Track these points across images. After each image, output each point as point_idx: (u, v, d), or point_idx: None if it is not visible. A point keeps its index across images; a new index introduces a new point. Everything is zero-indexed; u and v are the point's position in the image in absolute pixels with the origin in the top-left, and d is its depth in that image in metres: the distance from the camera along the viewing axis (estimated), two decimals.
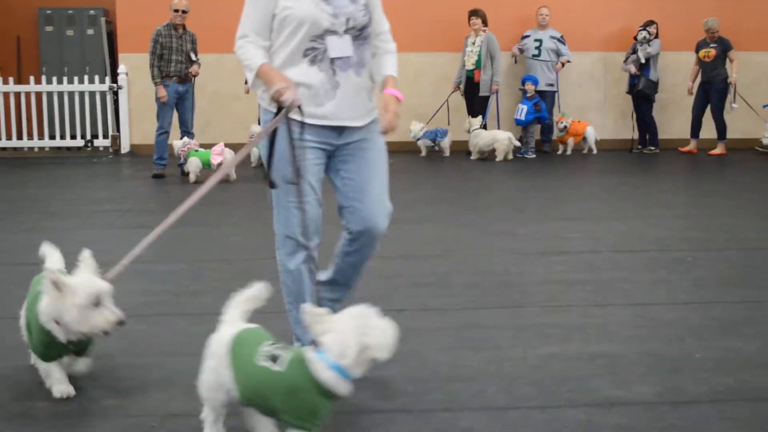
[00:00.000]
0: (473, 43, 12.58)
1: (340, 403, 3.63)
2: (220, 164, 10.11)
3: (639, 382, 3.87)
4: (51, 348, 3.59)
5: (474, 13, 12.58)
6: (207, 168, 10.25)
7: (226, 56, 12.31)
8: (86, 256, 3.65)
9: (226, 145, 10.54)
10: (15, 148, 13.39)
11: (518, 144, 12.39)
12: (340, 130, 3.86)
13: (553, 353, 4.26)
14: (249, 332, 3.15)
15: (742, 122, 13.35)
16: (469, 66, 12.64)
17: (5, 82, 13.28)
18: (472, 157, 12.27)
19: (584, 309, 5.00)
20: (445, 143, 12.75)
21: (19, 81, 13.66)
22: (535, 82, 12.67)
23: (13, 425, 3.48)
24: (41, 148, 13.48)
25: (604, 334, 4.57)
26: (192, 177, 10.28)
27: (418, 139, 12.75)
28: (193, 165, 10.27)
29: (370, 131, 3.95)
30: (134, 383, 3.91)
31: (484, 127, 12.46)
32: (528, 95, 12.60)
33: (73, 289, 3.42)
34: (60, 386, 3.68)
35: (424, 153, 12.81)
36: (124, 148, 13.32)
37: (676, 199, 9.11)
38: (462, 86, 12.80)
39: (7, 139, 13.37)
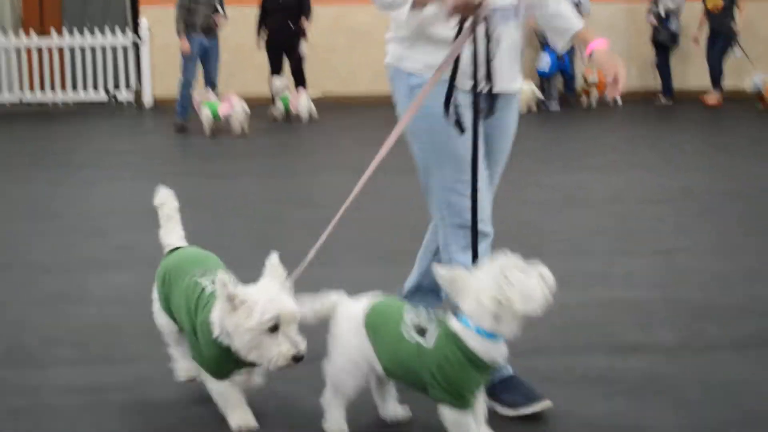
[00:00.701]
0: None
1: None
2: (228, 116, 10.09)
3: (661, 328, 3.86)
4: (226, 364, 2.89)
5: None
6: (217, 120, 10.18)
7: (247, 9, 12.25)
8: (274, 261, 3.00)
9: (249, 98, 10.52)
10: (39, 103, 13.44)
11: (541, 96, 12.27)
12: (494, 98, 3.03)
13: (575, 299, 4.24)
14: (384, 303, 2.83)
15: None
16: None
17: (27, 36, 13.29)
18: None
19: (607, 256, 4.98)
20: None
21: (41, 35, 13.67)
22: None
23: (39, 371, 3.52)
24: (65, 103, 13.52)
25: (627, 281, 4.55)
26: (207, 129, 10.18)
27: None
28: (205, 116, 10.22)
29: (512, 102, 3.23)
30: (157, 330, 3.93)
31: None
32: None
33: (249, 307, 2.74)
34: (239, 415, 2.95)
35: None
36: (147, 101, 13.33)
37: (701, 150, 9.02)
38: None
39: (30, 93, 13.41)
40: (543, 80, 12.52)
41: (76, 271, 4.86)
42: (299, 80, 11.86)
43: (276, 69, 11.77)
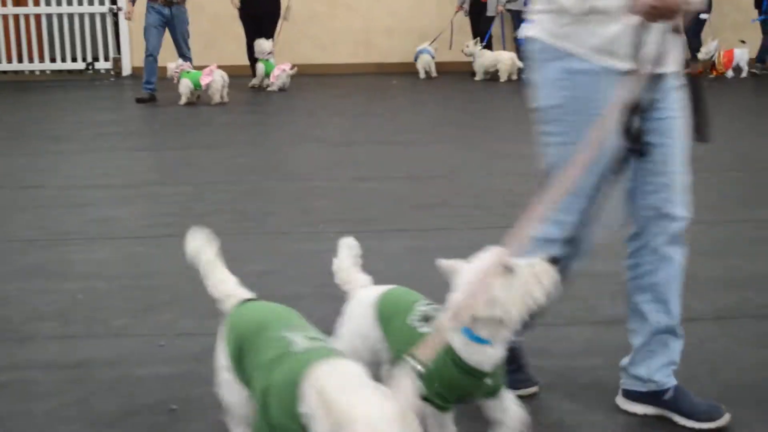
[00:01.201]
0: None
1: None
2: (208, 85, 10.04)
3: None
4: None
5: None
6: (198, 89, 10.13)
7: None
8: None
9: (227, 68, 10.44)
10: (15, 72, 13.29)
11: (521, 65, 12.24)
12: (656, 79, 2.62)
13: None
14: (397, 292, 2.70)
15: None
16: None
17: (3, 5, 13.11)
18: (476, 78, 12.16)
19: None
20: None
21: (17, 3, 13.48)
22: None
23: (21, 346, 3.51)
24: (42, 71, 13.37)
25: (609, 254, 4.54)
26: (183, 99, 10.16)
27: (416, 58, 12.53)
28: (184, 86, 10.15)
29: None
30: (141, 304, 3.93)
31: (489, 47, 12.32)
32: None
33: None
34: None
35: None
36: (126, 70, 13.21)
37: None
38: (467, 6, 12.61)
39: (7, 62, 13.25)
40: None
41: (57, 245, 4.83)
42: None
43: (252, 39, 11.60)
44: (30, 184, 6.37)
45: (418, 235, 4.93)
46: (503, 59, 11.99)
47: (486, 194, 5.84)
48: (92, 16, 13.13)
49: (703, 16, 12.53)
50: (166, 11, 10.45)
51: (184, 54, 10.70)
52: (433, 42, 12.61)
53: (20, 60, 13.29)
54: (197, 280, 4.16)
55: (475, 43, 12.08)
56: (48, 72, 13.34)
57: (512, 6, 12.78)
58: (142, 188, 6.23)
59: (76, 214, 5.50)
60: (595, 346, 3.44)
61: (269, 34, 11.60)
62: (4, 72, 13.21)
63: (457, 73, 12.76)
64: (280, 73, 11.29)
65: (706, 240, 4.79)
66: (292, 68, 11.39)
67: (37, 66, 13.30)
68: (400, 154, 7.18)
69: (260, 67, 11.46)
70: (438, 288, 4.01)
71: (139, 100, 10.46)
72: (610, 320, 3.68)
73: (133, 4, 10.56)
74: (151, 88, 10.58)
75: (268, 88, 11.24)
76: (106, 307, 3.90)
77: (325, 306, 3.86)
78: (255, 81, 11.50)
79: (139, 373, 3.24)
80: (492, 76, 12.15)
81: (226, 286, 2.68)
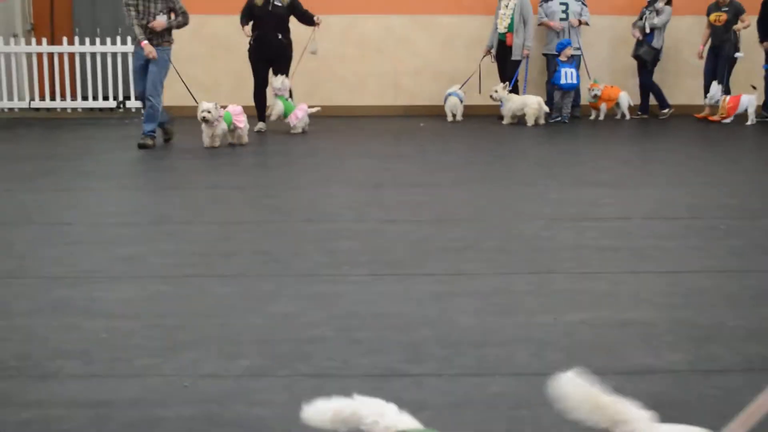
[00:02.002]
0: (506, 6, 12.41)
1: (370, 366, 3.65)
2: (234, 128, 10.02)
3: (671, 350, 3.83)
4: None
5: None
6: (229, 129, 10.02)
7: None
8: None
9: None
10: (48, 109, 13.45)
11: (547, 109, 12.22)
12: None
13: (583, 320, 4.23)
14: None
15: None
16: (502, 29, 12.47)
17: (39, 43, 13.32)
18: (504, 122, 12.16)
19: (616, 276, 4.96)
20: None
21: (52, 42, 13.68)
22: (571, 46, 12.47)
23: (44, 383, 3.51)
24: (74, 109, 13.54)
25: (636, 302, 4.53)
26: (217, 141, 9.91)
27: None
28: (221, 129, 9.94)
29: None
30: (165, 343, 3.93)
31: (516, 91, 12.33)
32: (565, 59, 12.40)
33: None
34: None
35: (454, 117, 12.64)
36: None
37: (707, 166, 8.96)
38: (494, 50, 12.65)
39: (40, 100, 13.43)
40: (562, 93, 12.44)
41: (82, 282, 4.85)
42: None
43: (261, 82, 11.29)
44: (59, 220, 6.42)
45: (444, 279, 4.90)
46: (530, 103, 12.00)
47: (512, 239, 5.81)
48: (124, 55, 13.30)
49: (738, 55, 12.49)
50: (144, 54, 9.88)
51: (145, 95, 10.01)
52: (462, 86, 12.64)
53: (53, 98, 13.46)
54: (222, 321, 4.19)
55: (504, 88, 12.10)
56: (79, 110, 13.50)
57: (547, 50, 12.82)
58: (169, 227, 6.26)
59: (102, 251, 5.52)
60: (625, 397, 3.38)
61: (284, 73, 11.15)
62: (37, 109, 13.38)
63: (484, 116, 12.78)
64: (303, 115, 11.15)
65: (735, 288, 4.74)
66: (312, 107, 11.30)
67: (69, 104, 13.46)
68: (426, 197, 7.18)
69: (279, 104, 11.15)
70: (462, 333, 4.00)
71: (141, 146, 9.85)
72: (639, 370, 3.64)
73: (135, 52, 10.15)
74: (151, 131, 10.02)
75: (291, 131, 11.16)
76: (130, 346, 3.90)
77: (347, 350, 3.86)
78: (272, 117, 11.25)
79: (162, 413, 3.23)
80: (519, 120, 12.16)
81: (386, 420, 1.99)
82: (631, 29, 12.76)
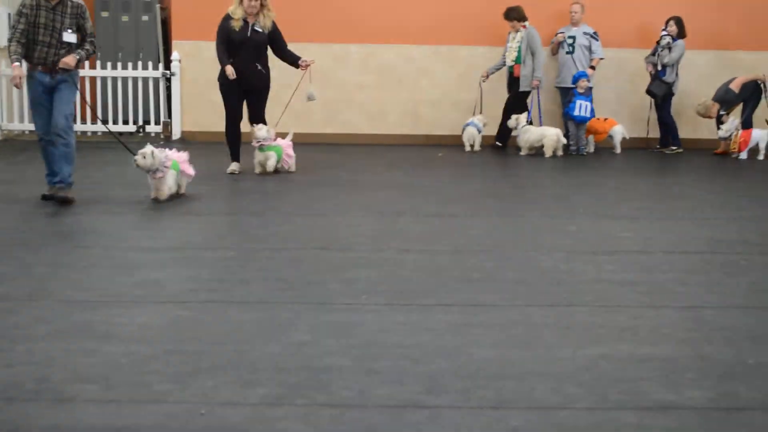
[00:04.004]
0: (513, 38, 12.49)
1: (387, 397, 3.63)
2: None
3: (691, 387, 3.81)
4: None
5: (506, 16, 12.49)
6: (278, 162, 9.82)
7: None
8: None
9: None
10: None
11: (565, 141, 12.19)
12: None
13: (603, 354, 4.20)
14: None
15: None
16: (509, 62, 12.54)
17: None
18: (522, 153, 12.16)
19: (635, 310, 4.93)
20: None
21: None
22: (587, 78, 12.46)
23: (62, 408, 3.51)
24: (94, 132, 13.63)
25: (656, 337, 4.50)
26: (270, 167, 9.68)
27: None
28: (273, 160, 9.71)
29: None
30: (183, 369, 3.93)
31: (531, 122, 12.34)
32: (581, 91, 12.41)
33: None
34: None
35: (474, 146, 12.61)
36: (175, 134, 13.41)
37: (725, 200, 8.91)
38: (488, 73, 12.72)
39: None
40: (575, 125, 12.44)
41: (102, 306, 4.86)
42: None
43: (235, 115, 9.93)
44: (78, 243, 6.45)
45: (462, 310, 4.89)
46: (549, 135, 11.99)
47: (530, 270, 5.79)
48: (145, 80, 13.40)
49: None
50: (47, 79, 7.92)
51: (55, 132, 8.00)
52: (477, 113, 12.63)
53: (74, 121, 13.57)
54: (239, 348, 4.19)
55: (523, 117, 12.09)
56: (99, 133, 13.60)
57: (557, 83, 12.84)
58: (187, 252, 6.27)
59: (121, 275, 5.54)
60: None
61: (258, 110, 9.89)
62: None
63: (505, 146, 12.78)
64: (292, 152, 10.11)
65: (757, 325, 4.71)
66: (284, 135, 10.20)
67: (89, 127, 13.55)
68: (444, 227, 7.18)
69: (272, 156, 9.80)
70: (480, 365, 3.98)
71: (45, 197, 8.04)
72: (660, 406, 3.61)
73: (30, 79, 8.03)
74: (52, 180, 8.10)
75: (289, 171, 10.08)
76: (149, 371, 3.90)
77: (365, 380, 3.84)
78: (269, 169, 9.80)
79: None
80: (537, 151, 12.16)
81: None
82: (645, 63, 12.76)
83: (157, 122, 13.56)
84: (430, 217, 7.63)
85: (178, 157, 8.39)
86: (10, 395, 3.63)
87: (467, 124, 12.55)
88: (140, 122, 13.52)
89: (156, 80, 13.38)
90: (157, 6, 14.34)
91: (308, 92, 10.25)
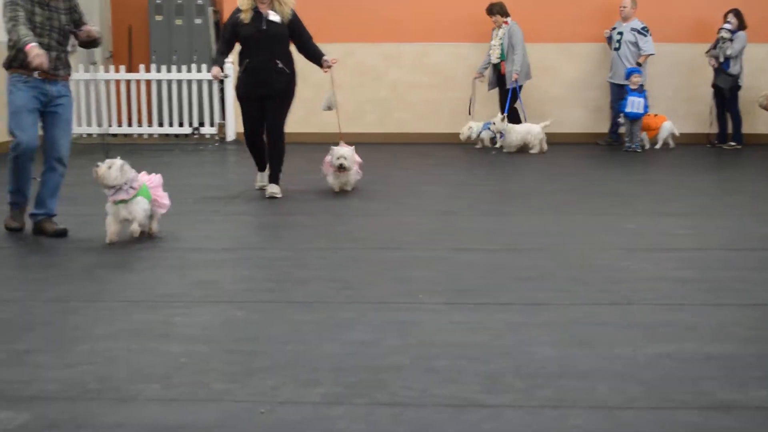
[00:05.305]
0: (496, 35, 12.41)
1: (447, 396, 3.62)
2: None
3: (756, 386, 3.73)
4: None
5: (489, 11, 12.38)
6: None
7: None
8: None
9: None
10: (125, 134, 13.73)
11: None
12: None
13: (665, 353, 4.14)
14: None
15: None
16: (494, 59, 12.47)
17: (117, 71, 13.63)
18: (505, 150, 11.88)
19: (697, 308, 4.85)
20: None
21: (130, 69, 14.00)
22: (640, 74, 12.27)
23: (124, 406, 3.55)
24: (150, 135, 13.80)
25: (719, 335, 4.43)
26: (349, 186, 8.70)
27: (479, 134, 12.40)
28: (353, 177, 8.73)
29: None
30: (242, 369, 3.95)
31: (517, 120, 12.14)
32: (634, 87, 12.23)
33: None
34: None
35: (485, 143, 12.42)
36: (230, 136, 13.52)
37: None
38: (487, 75, 12.63)
39: (118, 126, 13.72)
40: (630, 121, 12.27)
41: (160, 306, 4.91)
42: (276, 141, 8.40)
43: (254, 125, 8.48)
44: (135, 244, 6.52)
45: (520, 308, 4.85)
46: (534, 132, 11.76)
47: (586, 268, 5.73)
48: (199, 82, 13.53)
49: None
50: (46, 87, 6.69)
51: (52, 155, 6.85)
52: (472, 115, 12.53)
53: (129, 124, 13.74)
54: (298, 348, 4.20)
55: (502, 119, 11.83)
56: (155, 135, 13.76)
57: (612, 79, 12.70)
58: (244, 252, 6.32)
59: (179, 276, 5.60)
60: None
61: (275, 118, 8.30)
62: (115, 135, 13.66)
63: (550, 144, 12.64)
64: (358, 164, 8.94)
65: None
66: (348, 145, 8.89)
67: (145, 130, 13.72)
68: (497, 225, 7.14)
69: (350, 176, 8.71)
70: (540, 365, 3.94)
71: (8, 228, 6.93)
72: (724, 405, 3.55)
73: (26, 84, 6.58)
74: (18, 201, 6.91)
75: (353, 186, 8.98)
76: (209, 370, 3.94)
77: (425, 379, 3.83)
78: (335, 189, 8.67)
79: None
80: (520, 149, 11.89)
81: None
82: (707, 57, 12.53)
83: (212, 124, 13.69)
84: (483, 215, 7.59)
85: (149, 181, 6.80)
86: (72, 394, 3.68)
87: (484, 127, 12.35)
88: (195, 124, 13.66)
89: (210, 82, 13.49)
90: (210, 9, 14.48)
91: (327, 98, 8.96)
